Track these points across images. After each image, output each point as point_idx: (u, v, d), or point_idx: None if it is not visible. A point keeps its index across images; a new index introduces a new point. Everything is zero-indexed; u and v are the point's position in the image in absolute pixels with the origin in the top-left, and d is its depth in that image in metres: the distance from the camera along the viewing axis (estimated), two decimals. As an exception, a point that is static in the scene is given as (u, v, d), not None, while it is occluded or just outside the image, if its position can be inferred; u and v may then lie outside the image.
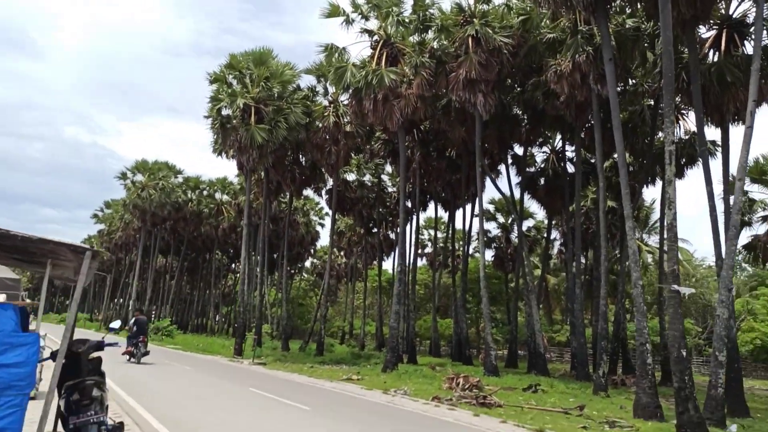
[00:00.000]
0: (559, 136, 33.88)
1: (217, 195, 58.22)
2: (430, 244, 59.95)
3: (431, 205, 41.53)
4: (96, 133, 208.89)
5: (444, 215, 41.67)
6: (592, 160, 33.09)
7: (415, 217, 38.76)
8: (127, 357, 20.54)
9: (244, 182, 38.61)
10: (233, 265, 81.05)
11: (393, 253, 49.94)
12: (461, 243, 47.92)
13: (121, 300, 70.30)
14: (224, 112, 29.11)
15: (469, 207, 36.78)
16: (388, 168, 42.72)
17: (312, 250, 67.06)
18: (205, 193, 58.05)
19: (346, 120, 31.24)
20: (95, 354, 6.68)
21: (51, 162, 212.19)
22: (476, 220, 37.81)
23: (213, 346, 32.39)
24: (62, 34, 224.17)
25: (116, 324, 8.30)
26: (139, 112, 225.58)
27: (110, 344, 7.15)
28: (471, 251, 47.03)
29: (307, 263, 78.32)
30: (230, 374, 18.44)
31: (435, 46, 24.95)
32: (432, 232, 58.78)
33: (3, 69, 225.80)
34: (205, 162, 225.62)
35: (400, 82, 24.92)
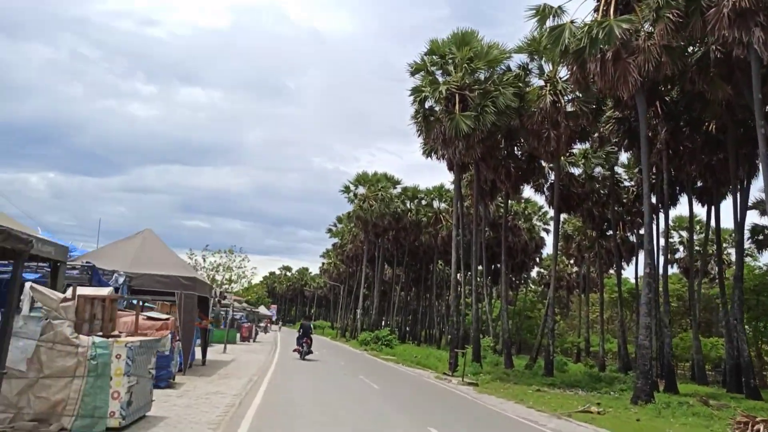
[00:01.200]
0: None
1: (435, 203, 56.76)
2: (681, 248, 50.13)
3: (682, 200, 33.63)
4: (336, 161, 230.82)
5: (700, 211, 33.39)
6: None
7: (662, 214, 31.59)
8: (297, 355, 24.21)
9: (454, 185, 35.78)
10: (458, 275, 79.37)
11: (634, 258, 42.19)
12: (728, 243, 38.40)
13: (359, 310, 73.40)
14: (427, 104, 26.62)
15: (739, 196, 28.42)
16: (623, 158, 35.97)
17: (537, 259, 61.49)
18: (423, 202, 57.10)
19: (566, 99, 26.33)
20: None
21: (303, 189, 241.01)
22: (751, 214, 29.22)
23: (429, 359, 29.84)
24: (306, 78, 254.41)
25: None
26: (371, 138, 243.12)
27: None
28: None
29: (534, 273, 72.74)
30: (422, 400, 14.98)
31: (683, -22, 18.86)
32: (684, 233, 49.09)
33: (268, 114, 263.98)
34: (425, 173, 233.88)
35: (634, 33, 19.45)
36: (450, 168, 32.28)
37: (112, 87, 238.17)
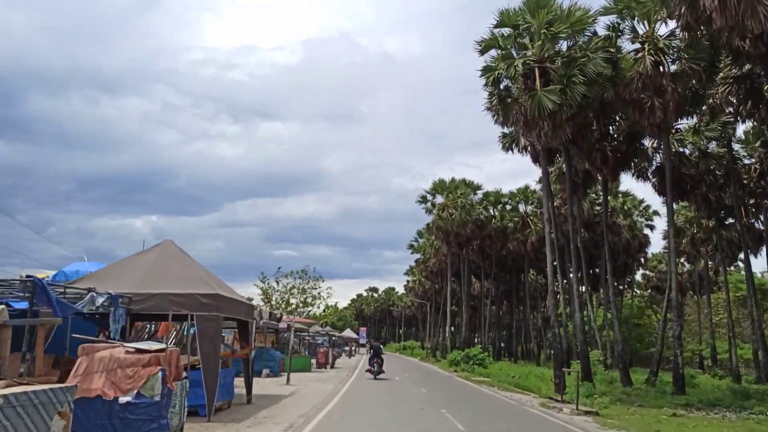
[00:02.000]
0: None
1: (521, 207, 52.27)
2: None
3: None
4: (417, 179, 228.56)
5: None
6: None
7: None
8: (370, 375, 25.51)
9: (542, 178, 31.66)
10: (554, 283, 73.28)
11: (764, 248, 35.74)
12: None
13: (451, 328, 69.46)
14: (502, 84, 23.07)
15: None
16: (740, 131, 30.42)
17: (642, 259, 55.05)
18: (507, 207, 52.79)
19: (670, 59, 21.88)
20: None
21: (385, 210, 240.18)
22: None
23: (529, 378, 25.59)
24: (380, 101, 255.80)
25: None
26: (449, 153, 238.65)
27: None
28: None
29: (638, 276, 65.64)
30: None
31: None
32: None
33: (345, 140, 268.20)
34: (508, 182, 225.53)
35: (761, -50, 15.20)
36: (535, 160, 28.43)
37: (201, 131, 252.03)
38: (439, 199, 48.75)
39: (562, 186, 31.80)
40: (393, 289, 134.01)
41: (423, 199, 48.55)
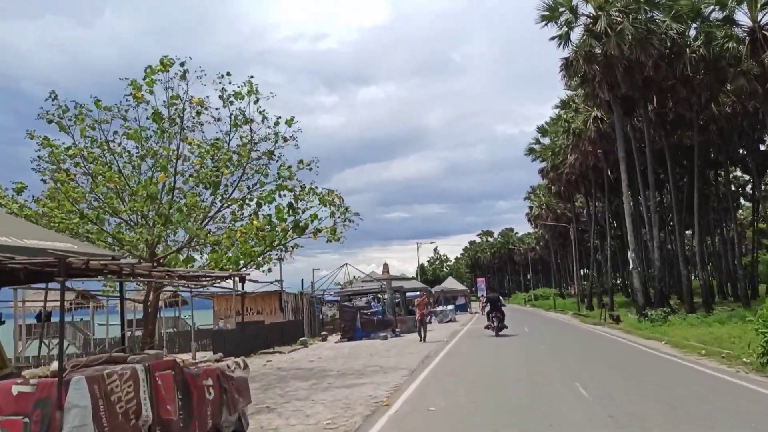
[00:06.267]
0: None
1: (741, 16, 26.56)
2: None
3: None
4: (520, 123, 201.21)
5: None
6: None
7: None
8: (490, 331, 21.15)
9: None
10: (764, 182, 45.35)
11: None
12: None
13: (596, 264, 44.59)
14: None
15: None
16: None
17: None
18: (712, 22, 27.29)
19: None
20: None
21: (492, 160, 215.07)
22: None
23: None
24: (471, 46, 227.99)
25: None
26: (554, 89, 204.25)
27: None
28: None
29: None
30: None
31: None
32: None
33: (438, 92, 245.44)
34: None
35: None
36: None
37: (300, 105, 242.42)
38: (586, 8, 24.59)
39: None
40: (511, 230, 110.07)
41: (551, 12, 24.38)
